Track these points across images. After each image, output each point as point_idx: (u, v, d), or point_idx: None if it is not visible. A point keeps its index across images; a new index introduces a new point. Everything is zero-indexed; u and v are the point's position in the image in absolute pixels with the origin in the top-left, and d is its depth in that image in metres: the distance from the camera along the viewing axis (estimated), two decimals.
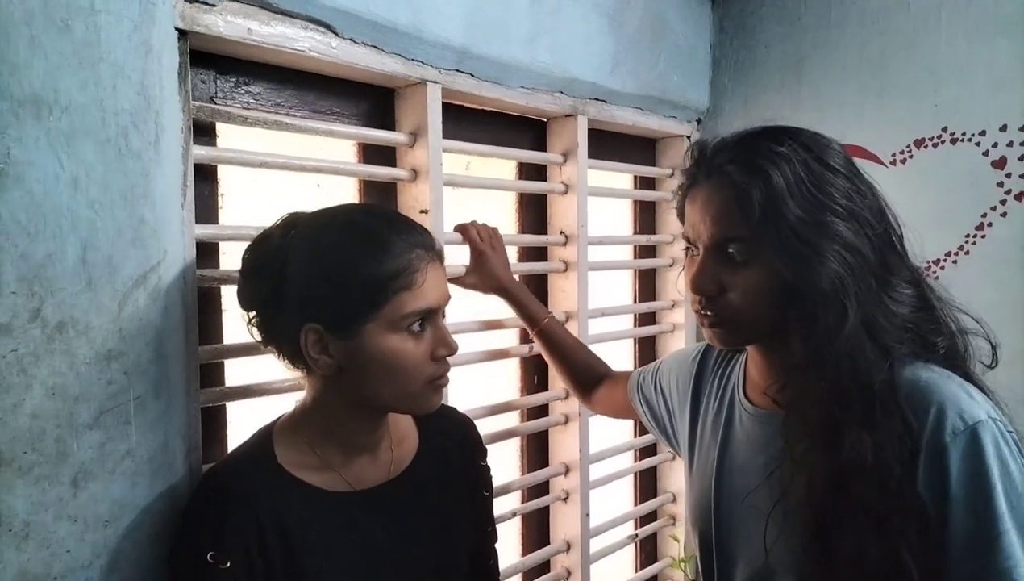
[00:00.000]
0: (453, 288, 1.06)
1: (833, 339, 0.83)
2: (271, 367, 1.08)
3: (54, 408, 0.82)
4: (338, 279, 0.86)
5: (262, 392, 1.11)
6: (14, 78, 0.78)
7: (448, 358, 0.92)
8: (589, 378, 1.43)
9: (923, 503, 0.80)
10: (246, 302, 0.92)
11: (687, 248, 0.94)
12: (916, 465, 0.80)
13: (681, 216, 0.96)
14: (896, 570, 0.79)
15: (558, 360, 1.45)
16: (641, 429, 1.95)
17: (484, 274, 1.37)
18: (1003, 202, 1.55)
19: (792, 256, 0.84)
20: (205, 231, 1.04)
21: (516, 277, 1.44)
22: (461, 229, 1.38)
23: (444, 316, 0.94)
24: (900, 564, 0.79)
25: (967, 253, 1.58)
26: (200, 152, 1.02)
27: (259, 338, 0.92)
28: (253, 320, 0.92)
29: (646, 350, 1.98)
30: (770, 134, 0.89)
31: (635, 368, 1.47)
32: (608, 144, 1.79)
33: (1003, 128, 1.53)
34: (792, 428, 0.87)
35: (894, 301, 0.86)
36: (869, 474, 0.80)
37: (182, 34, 0.95)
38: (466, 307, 1.49)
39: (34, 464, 0.80)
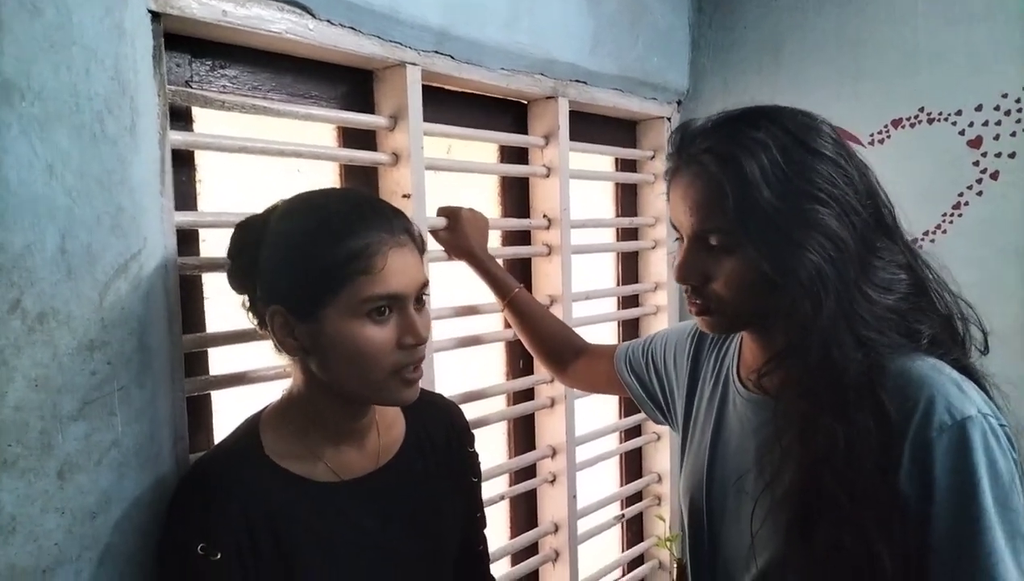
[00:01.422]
0: (435, 271, 1.04)
1: (810, 329, 0.82)
2: (256, 355, 1.08)
3: (37, 400, 0.80)
4: (296, 262, 0.85)
5: (247, 380, 1.09)
6: None
7: (419, 347, 0.88)
8: (565, 350, 1.40)
9: (904, 498, 0.79)
10: (235, 284, 0.92)
11: (677, 237, 0.93)
12: (899, 459, 0.79)
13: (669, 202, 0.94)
14: (871, 563, 0.79)
15: (530, 332, 1.42)
16: (626, 410, 1.96)
17: (458, 234, 1.35)
18: (979, 181, 1.57)
19: (769, 246, 0.82)
20: (185, 218, 1.02)
21: (499, 262, 1.43)
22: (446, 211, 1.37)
23: (421, 302, 0.91)
24: (875, 557, 0.78)
25: (944, 232, 1.60)
26: (177, 137, 1.00)
27: (254, 321, 0.91)
28: (246, 303, 0.91)
29: (630, 332, 1.99)
30: (748, 117, 0.87)
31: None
32: (589, 126, 1.78)
33: (978, 108, 1.55)
34: (781, 416, 0.87)
35: (878, 288, 0.84)
36: (841, 466, 0.80)
37: (155, 16, 0.93)
38: (450, 292, 1.49)
39: (19, 457, 0.79)
